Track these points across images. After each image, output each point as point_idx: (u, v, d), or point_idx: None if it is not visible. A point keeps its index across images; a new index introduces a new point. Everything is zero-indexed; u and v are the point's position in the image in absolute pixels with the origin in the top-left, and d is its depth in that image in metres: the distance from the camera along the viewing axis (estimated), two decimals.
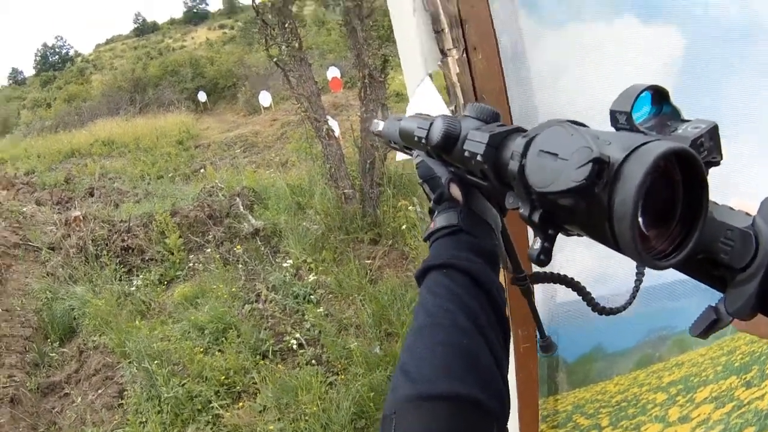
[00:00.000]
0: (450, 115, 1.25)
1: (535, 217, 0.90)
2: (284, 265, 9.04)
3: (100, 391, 7.11)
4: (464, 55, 1.96)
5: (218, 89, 38.07)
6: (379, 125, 1.80)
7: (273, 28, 9.74)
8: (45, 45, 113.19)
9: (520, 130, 1.04)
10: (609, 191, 0.73)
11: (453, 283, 1.15)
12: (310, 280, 8.40)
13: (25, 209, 14.12)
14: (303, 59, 9.89)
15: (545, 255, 0.93)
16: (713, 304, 0.84)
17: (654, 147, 0.72)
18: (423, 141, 1.30)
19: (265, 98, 27.86)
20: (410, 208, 9.53)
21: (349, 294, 7.86)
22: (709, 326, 0.84)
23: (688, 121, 0.88)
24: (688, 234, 0.80)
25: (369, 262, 8.73)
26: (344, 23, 9.95)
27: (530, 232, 1.03)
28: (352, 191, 10.10)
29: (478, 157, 1.06)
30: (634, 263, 1.23)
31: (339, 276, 8.24)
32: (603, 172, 0.73)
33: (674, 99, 0.88)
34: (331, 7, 50.43)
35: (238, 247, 10.05)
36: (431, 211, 1.40)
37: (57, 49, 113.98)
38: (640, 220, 0.74)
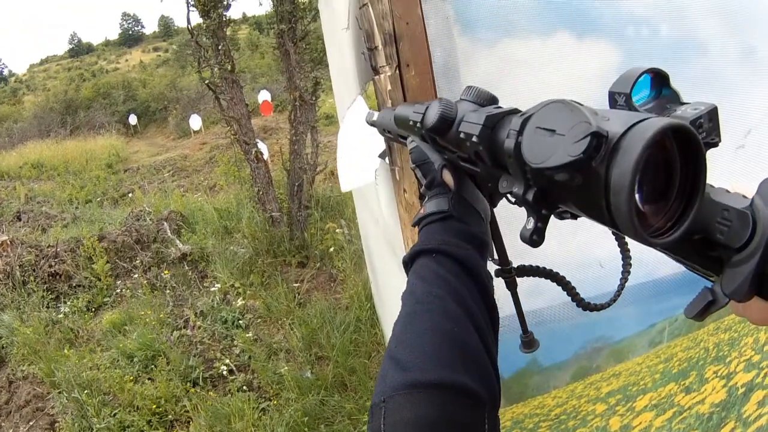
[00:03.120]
0: (447, 98, 1.26)
1: (530, 196, 0.95)
2: (212, 289, 8.98)
3: (31, 423, 6.96)
4: (397, 71, 2.00)
5: (149, 112, 37.79)
6: (374, 115, 1.87)
7: (206, 50, 9.72)
8: None
9: (516, 111, 1.07)
10: (606, 165, 0.76)
11: (442, 268, 1.17)
12: (238, 305, 8.34)
13: None
14: (235, 82, 9.85)
15: (538, 235, 0.98)
16: (709, 286, 0.87)
17: (653, 122, 0.74)
18: (418, 125, 1.33)
19: (195, 122, 27.67)
20: (338, 230, 9.56)
21: (278, 318, 7.82)
22: (705, 308, 0.86)
23: (687, 103, 0.92)
24: (685, 211, 0.82)
25: (297, 285, 8.69)
26: (277, 46, 9.93)
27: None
28: (279, 214, 10.10)
29: (474, 138, 1.09)
30: (576, 274, 1.32)
31: (267, 300, 8.21)
32: (601, 146, 0.76)
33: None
34: (266, 31, 50.31)
35: (166, 272, 9.94)
36: (422, 197, 1.42)
37: None
38: (636, 195, 0.76)
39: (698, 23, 2.32)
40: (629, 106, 0.90)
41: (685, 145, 0.79)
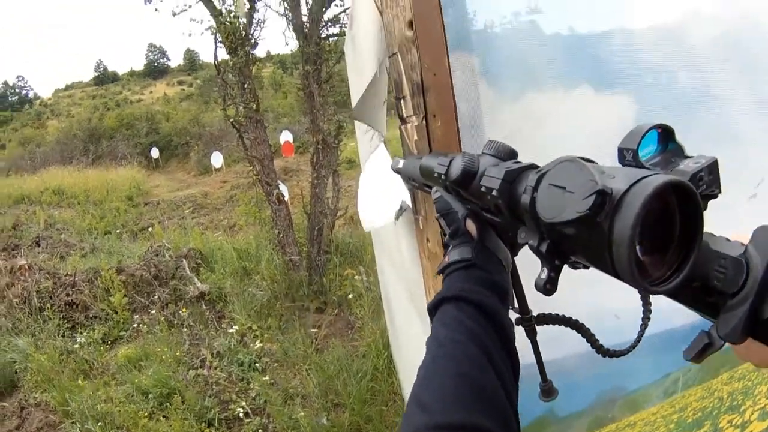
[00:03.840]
0: (469, 152, 1.33)
1: (543, 248, 1.01)
2: (229, 331, 8.95)
3: None
4: (424, 121, 2.03)
5: (171, 146, 37.76)
6: (399, 163, 1.93)
7: (232, 88, 9.76)
8: (6, 84, 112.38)
9: (533, 167, 1.13)
10: (610, 220, 0.81)
11: (465, 315, 1.20)
12: (255, 348, 8.30)
13: None
14: (259, 121, 9.92)
15: (551, 284, 1.02)
16: (706, 330, 0.90)
17: (653, 180, 0.80)
18: (442, 177, 1.37)
19: (216, 159, 27.82)
20: (356, 277, 9.50)
21: (295, 363, 7.78)
22: (702, 350, 0.90)
23: (690, 157, 0.98)
24: (684, 261, 0.87)
25: (315, 330, 8.67)
26: (302, 87, 9.98)
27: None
28: (299, 258, 10.07)
29: (494, 192, 1.14)
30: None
31: (284, 344, 8.17)
32: (605, 203, 0.82)
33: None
34: (289, 71, 50.42)
35: (184, 310, 9.90)
36: (445, 245, 1.46)
37: (17, 89, 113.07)
38: (637, 247, 0.81)
39: (715, 73, 2.36)
40: (636, 162, 0.95)
41: (684, 200, 0.85)
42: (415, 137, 2.08)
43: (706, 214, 0.87)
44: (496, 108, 2.11)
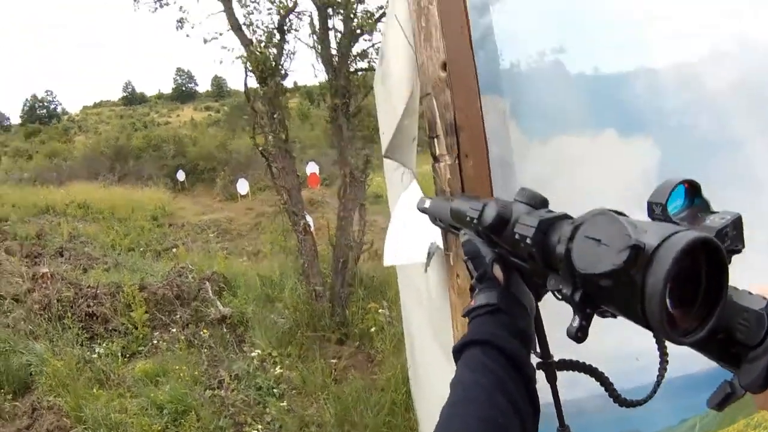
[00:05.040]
0: (502, 199, 1.36)
1: (577, 297, 1.03)
2: (250, 355, 8.96)
3: None
4: (456, 161, 2.07)
5: (198, 170, 37.77)
6: (426, 202, 1.94)
7: (262, 117, 9.89)
8: (35, 97, 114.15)
9: (567, 217, 1.16)
10: (642, 274, 0.85)
11: (490, 360, 1.23)
12: (274, 373, 8.30)
13: None
14: (288, 151, 10.03)
15: (582, 332, 1.06)
16: (729, 379, 0.95)
17: (683, 236, 0.84)
18: (474, 221, 1.40)
19: (242, 186, 27.92)
20: (380, 311, 9.49)
21: (313, 391, 7.76)
22: (724, 399, 0.96)
23: (716, 212, 1.03)
24: (709, 314, 0.91)
25: (334, 361, 8.65)
26: (330, 120, 10.14)
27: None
28: (322, 289, 10.06)
29: (528, 240, 1.17)
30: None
31: (303, 372, 8.15)
32: (639, 257, 0.85)
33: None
34: (316, 102, 50.69)
35: (205, 331, 9.94)
36: (472, 288, 1.47)
37: (46, 104, 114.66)
38: (668, 301, 0.85)
39: (737, 117, 2.38)
40: (665, 216, 0.99)
41: (711, 256, 0.88)
42: (448, 176, 2.12)
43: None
44: (525, 150, 2.16)
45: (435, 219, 1.86)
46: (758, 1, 2.44)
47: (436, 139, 2.20)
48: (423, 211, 1.95)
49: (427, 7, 2.12)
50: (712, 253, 0.88)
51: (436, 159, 2.26)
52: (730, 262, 0.91)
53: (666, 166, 2.21)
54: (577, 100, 2.21)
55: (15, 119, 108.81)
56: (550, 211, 1.23)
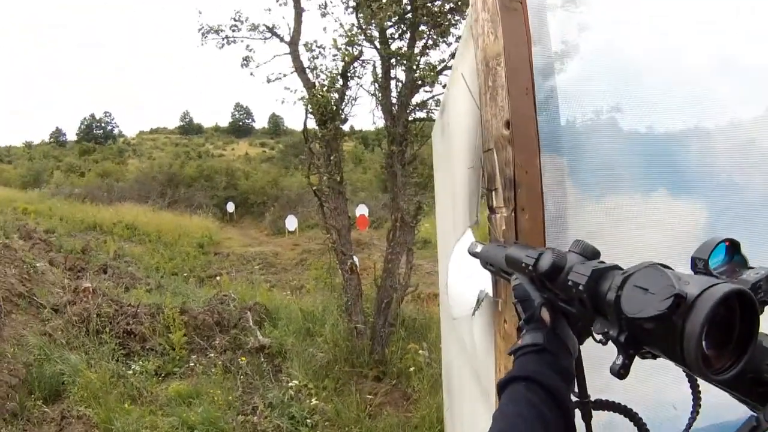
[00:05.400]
0: (557, 249, 1.47)
1: (622, 338, 1.13)
2: (286, 384, 8.94)
3: None
4: (512, 214, 2.11)
5: (248, 203, 38.50)
6: (477, 247, 2.07)
7: (318, 158, 10.09)
8: (93, 116, 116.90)
9: (617, 268, 1.25)
10: (683, 319, 0.96)
11: (533, 394, 1.29)
12: (309, 404, 8.27)
13: (38, 264, 14.02)
14: (341, 193, 10.22)
15: (625, 370, 1.14)
16: (755, 414, 1.06)
17: (720, 288, 0.95)
18: (530, 267, 1.50)
19: (291, 222, 28.40)
20: (419, 352, 9.54)
21: (347, 425, 7.74)
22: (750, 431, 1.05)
23: (752, 267, 1.14)
24: (740, 356, 1.01)
25: (370, 397, 8.66)
26: (385, 166, 10.32)
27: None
28: (363, 327, 10.14)
29: (580, 287, 1.27)
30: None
31: (338, 406, 8.15)
32: (680, 304, 0.96)
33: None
34: (371, 147, 51.38)
35: (243, 358, 9.95)
36: (519, 329, 1.54)
37: (103, 124, 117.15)
38: (704, 342, 0.95)
39: None
40: (706, 270, 1.12)
41: (745, 305, 1.00)
42: (503, 227, 2.18)
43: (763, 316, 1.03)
44: (580, 206, 2.21)
45: (486, 263, 1.99)
46: None
47: (494, 192, 2.27)
48: (474, 255, 2.08)
49: (495, 67, 2.20)
50: (746, 303, 0.99)
51: (492, 210, 2.33)
52: (762, 311, 1.02)
53: (714, 224, 2.26)
54: (630, 160, 2.27)
55: (71, 135, 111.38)
56: (602, 262, 1.33)
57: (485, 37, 2.25)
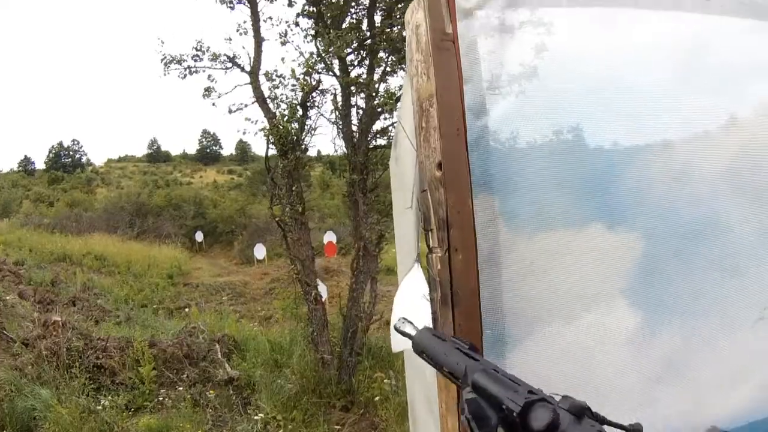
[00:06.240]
0: (549, 403, 1.33)
1: None
2: (254, 417, 8.97)
3: None
4: (446, 254, 2.16)
5: (216, 232, 38.19)
6: (406, 326, 1.87)
7: (281, 188, 10.15)
8: (61, 144, 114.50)
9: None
10: None
11: None
12: None
13: (7, 297, 14.01)
14: (304, 224, 10.25)
15: None
16: None
17: None
18: (514, 414, 1.32)
19: (260, 251, 28.06)
20: (386, 380, 9.58)
21: None
22: None
23: None
24: None
25: (338, 428, 8.70)
26: (347, 194, 10.43)
27: None
28: (330, 357, 10.17)
29: None
30: None
31: None
32: None
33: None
34: (338, 172, 51.09)
35: (212, 391, 9.98)
36: None
37: (71, 152, 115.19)
38: None
39: (723, 203, 2.40)
40: None
41: None
42: (439, 267, 2.21)
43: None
44: (513, 245, 2.23)
45: (421, 353, 1.77)
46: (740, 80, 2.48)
47: (430, 232, 2.30)
48: (404, 335, 1.87)
49: (428, 109, 2.25)
50: None
51: (430, 250, 2.35)
52: None
53: (649, 254, 2.26)
54: (563, 193, 2.28)
55: (39, 164, 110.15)
56: (594, 424, 1.26)
57: (419, 78, 2.31)
